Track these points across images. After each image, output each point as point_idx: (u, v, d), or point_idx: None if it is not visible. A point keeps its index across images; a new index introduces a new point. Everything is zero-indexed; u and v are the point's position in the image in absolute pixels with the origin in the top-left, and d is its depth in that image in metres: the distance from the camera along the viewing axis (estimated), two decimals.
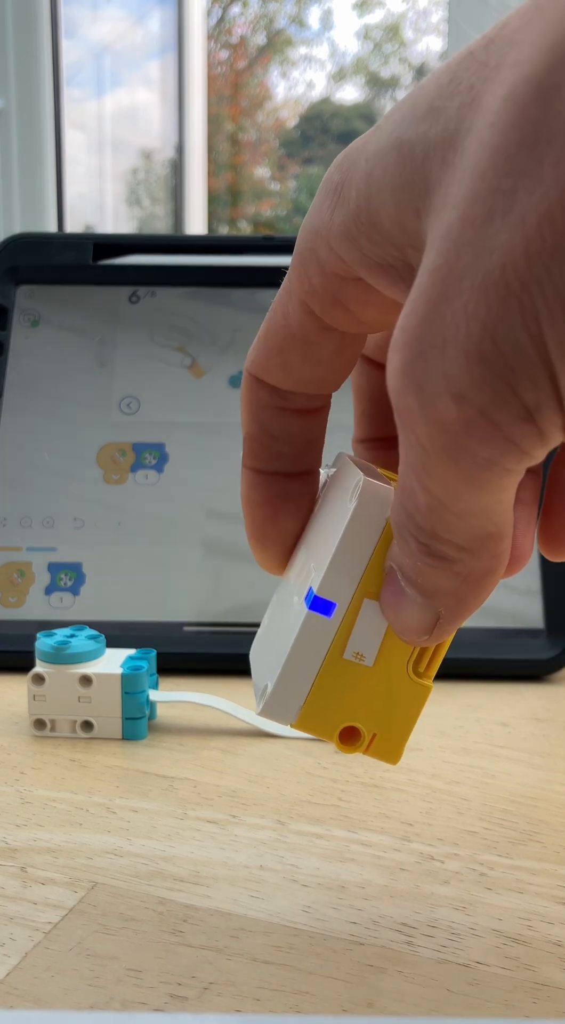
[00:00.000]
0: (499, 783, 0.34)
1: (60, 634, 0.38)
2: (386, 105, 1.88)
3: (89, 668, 0.37)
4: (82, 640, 0.38)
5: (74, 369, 0.52)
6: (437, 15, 1.72)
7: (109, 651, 0.39)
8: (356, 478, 0.22)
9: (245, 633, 0.46)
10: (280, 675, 0.23)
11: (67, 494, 0.49)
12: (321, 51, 1.89)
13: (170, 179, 1.83)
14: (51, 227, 1.47)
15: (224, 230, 2.00)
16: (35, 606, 0.47)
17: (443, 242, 0.17)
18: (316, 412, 0.25)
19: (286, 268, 0.24)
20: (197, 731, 0.38)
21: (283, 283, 0.23)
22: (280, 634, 0.24)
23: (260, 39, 1.94)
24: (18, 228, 1.44)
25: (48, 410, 0.51)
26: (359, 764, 0.35)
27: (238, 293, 0.53)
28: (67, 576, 0.48)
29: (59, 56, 1.47)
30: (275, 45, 1.92)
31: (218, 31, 1.93)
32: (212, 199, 1.87)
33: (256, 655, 0.26)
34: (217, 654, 0.45)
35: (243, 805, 0.32)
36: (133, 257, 0.54)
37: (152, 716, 0.39)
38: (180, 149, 1.79)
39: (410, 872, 0.28)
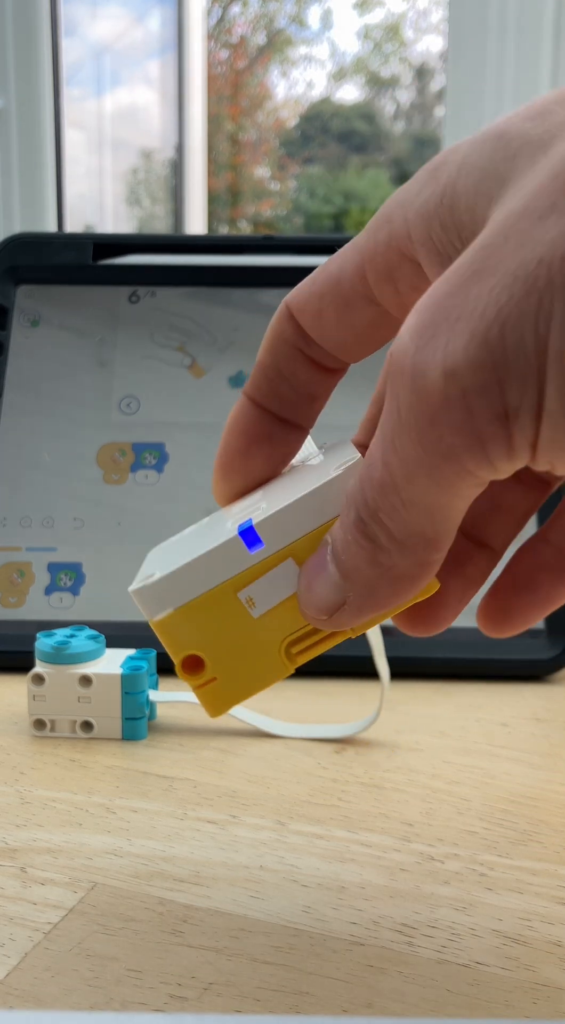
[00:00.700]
0: (499, 783, 0.34)
1: (60, 634, 0.38)
2: (386, 105, 1.89)
3: (89, 668, 0.37)
4: (82, 640, 0.38)
5: (74, 369, 0.52)
6: (437, 15, 1.72)
7: (109, 651, 0.39)
8: (354, 455, 0.22)
9: None
10: (174, 571, 0.22)
11: (67, 494, 0.49)
12: (321, 51, 1.89)
13: (170, 179, 1.83)
14: (51, 227, 1.47)
15: (224, 230, 2.00)
16: (35, 606, 0.47)
17: (496, 226, 0.18)
18: (330, 372, 0.25)
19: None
20: (197, 731, 0.38)
21: (353, 239, 0.23)
22: (192, 544, 0.24)
23: (260, 39, 1.94)
24: (18, 228, 1.44)
25: (48, 410, 0.51)
26: (359, 764, 0.35)
27: (238, 293, 0.53)
28: (67, 576, 0.48)
29: (59, 55, 1.47)
30: (275, 45, 1.92)
31: (218, 31, 1.93)
32: (212, 199, 1.87)
33: (155, 554, 0.26)
34: None
35: (243, 805, 0.32)
36: (133, 257, 0.54)
37: (152, 716, 0.39)
38: (180, 149, 1.79)
39: (410, 872, 0.28)
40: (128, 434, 0.50)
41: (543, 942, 0.25)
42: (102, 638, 0.38)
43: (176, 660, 0.23)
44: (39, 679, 0.37)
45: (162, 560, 0.24)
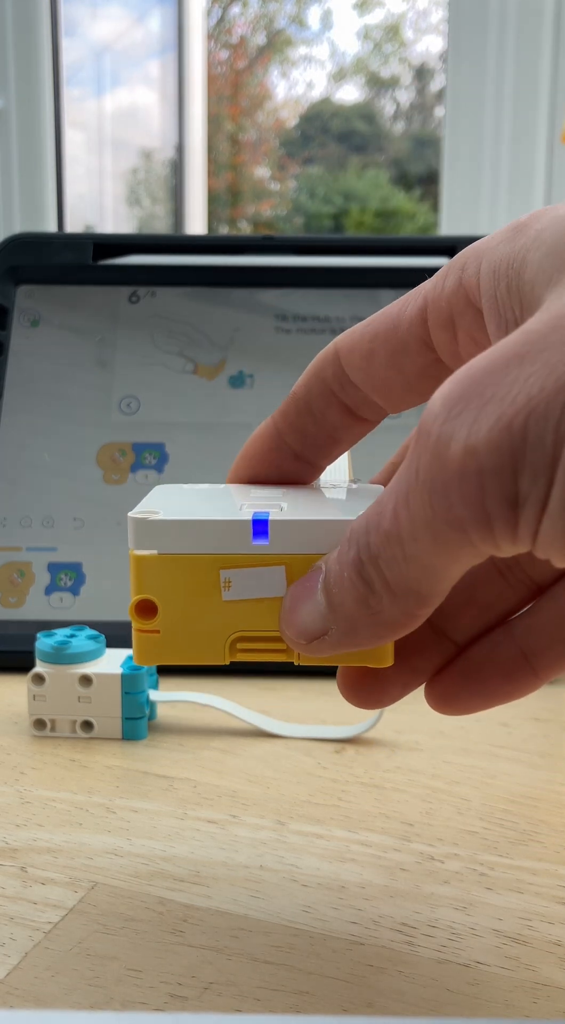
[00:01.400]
0: (499, 783, 0.34)
1: (60, 634, 0.38)
2: (386, 105, 1.89)
3: (89, 668, 0.37)
4: (82, 640, 0.38)
5: (74, 369, 0.52)
6: (437, 15, 1.72)
7: (109, 651, 0.39)
8: (380, 490, 0.22)
9: None
10: (178, 520, 0.22)
11: (67, 494, 0.49)
12: (321, 51, 1.89)
13: (170, 179, 1.83)
14: (51, 227, 1.47)
15: (224, 230, 2.00)
16: (35, 606, 0.47)
17: (548, 314, 0.18)
18: (360, 421, 0.25)
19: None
20: (197, 731, 0.38)
21: (420, 285, 0.23)
22: (202, 504, 0.24)
23: (260, 39, 1.94)
24: (18, 228, 1.44)
25: (48, 410, 0.51)
26: (359, 764, 0.35)
27: (238, 293, 0.53)
28: (67, 576, 0.48)
29: (59, 55, 1.47)
30: (275, 45, 1.92)
31: (218, 31, 1.93)
32: (212, 199, 1.87)
33: (161, 492, 0.26)
34: None
35: (243, 805, 0.32)
36: (133, 257, 0.54)
37: (152, 716, 0.39)
38: (180, 149, 1.79)
39: (410, 872, 0.28)
40: (128, 434, 0.50)
41: (543, 942, 0.25)
42: (102, 638, 0.38)
43: (133, 597, 0.23)
44: (39, 679, 0.37)
45: (167, 502, 0.24)
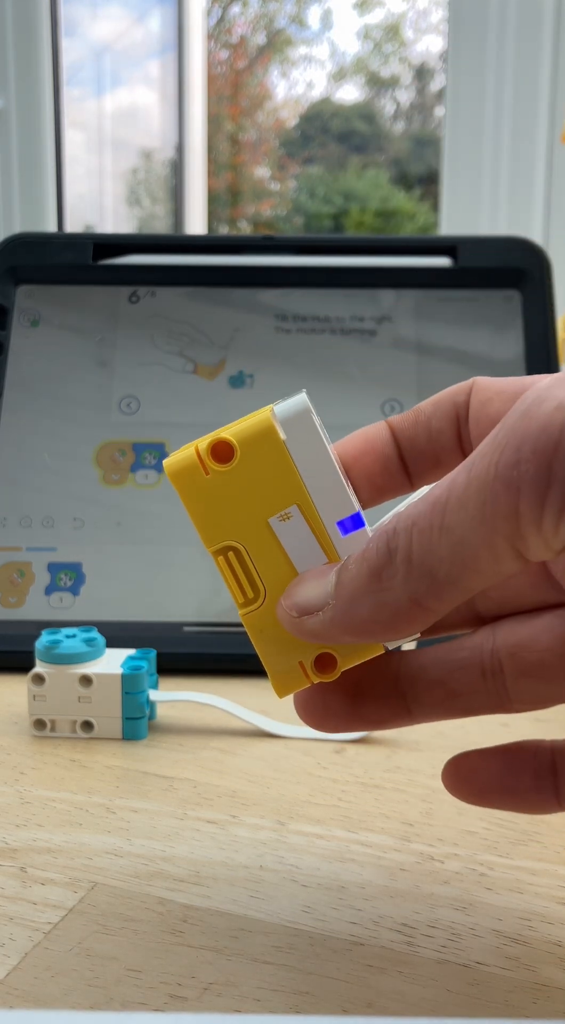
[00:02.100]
0: None
1: (60, 634, 0.38)
2: (386, 105, 1.89)
3: (89, 668, 0.37)
4: (81, 640, 0.38)
5: (74, 369, 0.52)
6: (437, 15, 1.72)
7: (109, 651, 0.39)
8: None
9: (245, 633, 0.46)
10: (322, 446, 0.23)
11: (67, 494, 0.49)
12: (321, 51, 1.89)
13: (170, 179, 1.83)
14: (51, 227, 1.47)
15: (224, 230, 2.00)
16: (35, 606, 0.47)
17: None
18: (463, 458, 0.25)
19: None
20: (197, 731, 0.38)
21: None
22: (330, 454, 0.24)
23: (260, 39, 1.94)
24: (18, 228, 1.44)
25: (48, 410, 0.51)
26: (359, 764, 0.35)
27: (238, 293, 0.53)
28: (67, 576, 0.48)
29: (59, 55, 1.47)
30: (275, 45, 1.92)
31: (218, 31, 1.93)
32: (212, 199, 1.87)
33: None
34: (217, 654, 0.45)
35: (243, 805, 0.32)
36: (133, 257, 0.54)
37: (152, 716, 0.39)
38: (180, 149, 1.79)
39: (410, 872, 0.28)
40: (128, 434, 0.50)
41: (543, 942, 0.25)
42: (102, 638, 0.38)
43: (226, 435, 0.23)
44: (39, 679, 0.37)
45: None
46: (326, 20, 1.88)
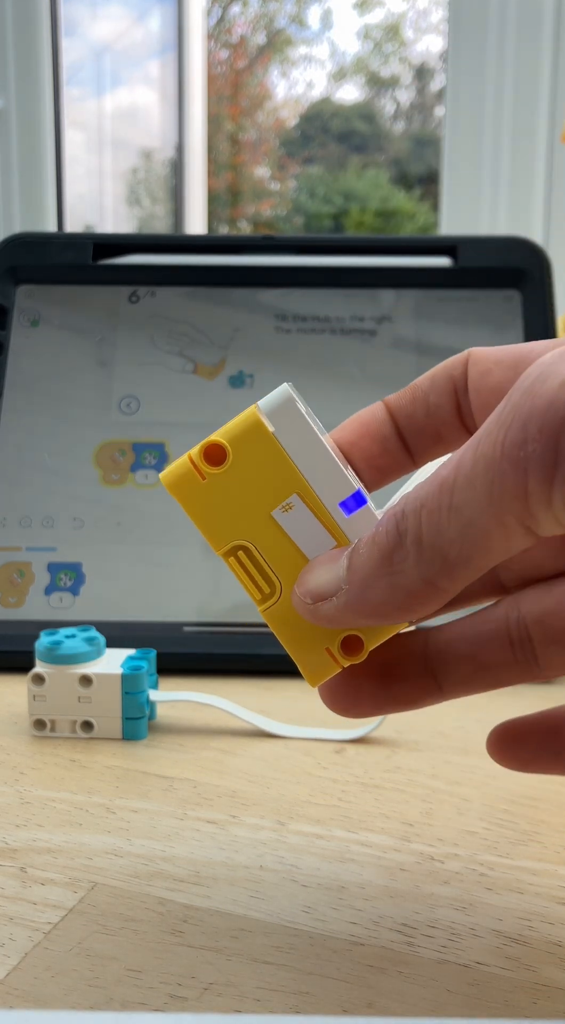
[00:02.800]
0: (499, 783, 0.34)
1: (60, 634, 0.38)
2: (386, 105, 1.89)
3: (89, 668, 0.37)
4: (81, 640, 0.38)
5: (74, 369, 0.52)
6: (437, 15, 1.72)
7: (109, 651, 0.39)
8: None
9: (245, 633, 0.46)
10: (309, 430, 0.23)
11: (66, 494, 0.49)
12: (321, 51, 1.89)
13: (170, 179, 1.83)
14: (51, 227, 1.47)
15: (224, 230, 2.00)
16: (35, 606, 0.47)
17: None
18: (466, 433, 0.25)
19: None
20: (197, 731, 0.38)
21: None
22: (325, 441, 0.24)
23: (260, 39, 1.94)
24: (18, 228, 1.44)
25: (48, 410, 0.51)
26: (359, 764, 0.35)
27: (238, 293, 0.53)
28: (67, 576, 0.48)
29: (59, 55, 1.47)
30: (275, 45, 1.92)
31: (218, 31, 1.93)
32: (212, 199, 1.87)
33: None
34: (217, 654, 0.45)
35: (243, 805, 0.32)
36: (133, 257, 0.54)
37: (152, 716, 0.39)
38: (180, 149, 1.79)
39: (410, 872, 0.28)
40: (128, 434, 0.50)
41: (543, 942, 0.25)
42: (102, 638, 0.38)
43: (216, 439, 0.23)
44: (39, 679, 0.37)
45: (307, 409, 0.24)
46: (326, 20, 1.88)
